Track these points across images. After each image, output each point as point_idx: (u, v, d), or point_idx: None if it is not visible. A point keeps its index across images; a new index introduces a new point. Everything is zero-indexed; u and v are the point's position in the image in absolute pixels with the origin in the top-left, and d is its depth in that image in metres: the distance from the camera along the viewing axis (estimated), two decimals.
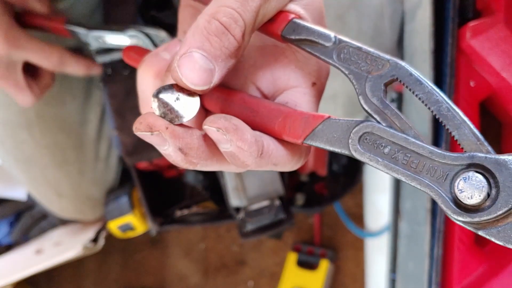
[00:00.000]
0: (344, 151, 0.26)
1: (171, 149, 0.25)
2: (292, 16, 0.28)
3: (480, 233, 0.23)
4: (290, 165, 0.28)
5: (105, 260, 1.17)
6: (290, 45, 0.29)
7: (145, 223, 0.94)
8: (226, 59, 0.25)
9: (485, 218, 0.23)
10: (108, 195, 0.92)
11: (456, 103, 0.74)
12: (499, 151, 0.91)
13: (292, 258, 1.03)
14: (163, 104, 0.26)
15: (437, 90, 0.25)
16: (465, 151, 0.24)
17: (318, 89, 0.31)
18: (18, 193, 1.01)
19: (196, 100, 0.26)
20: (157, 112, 0.26)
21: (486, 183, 0.23)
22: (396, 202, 0.84)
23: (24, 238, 1.04)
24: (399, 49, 0.72)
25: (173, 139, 0.25)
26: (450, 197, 0.24)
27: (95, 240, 0.93)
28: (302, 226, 1.07)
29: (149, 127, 0.25)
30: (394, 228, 0.82)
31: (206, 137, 0.26)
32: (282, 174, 0.87)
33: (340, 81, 0.63)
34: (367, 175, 0.93)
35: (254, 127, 0.27)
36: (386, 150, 0.25)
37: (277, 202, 0.84)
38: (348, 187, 0.93)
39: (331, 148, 0.26)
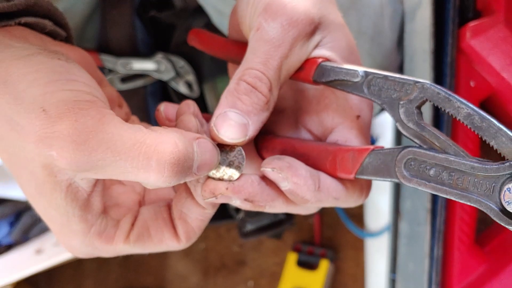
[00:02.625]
0: (394, 180, 0.27)
1: (239, 202, 0.28)
2: (320, 60, 0.30)
3: None
4: (352, 199, 0.30)
5: (105, 260, 1.17)
6: (327, 86, 0.30)
7: None
8: (258, 113, 0.27)
9: None
10: None
11: None
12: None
13: (292, 258, 1.03)
14: (217, 166, 0.28)
15: (466, 103, 0.26)
16: (506, 159, 0.25)
17: (364, 120, 0.31)
18: (18, 193, 1.01)
19: (241, 151, 0.28)
20: (216, 175, 0.28)
21: None
22: (396, 202, 0.84)
23: (24, 238, 1.04)
24: (399, 49, 0.72)
25: (236, 194, 0.27)
26: (500, 208, 0.24)
27: None
28: (302, 226, 1.07)
29: (212, 193, 0.28)
30: (394, 228, 0.82)
31: (266, 180, 0.28)
32: None
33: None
34: None
35: (310, 162, 0.29)
36: (431, 172, 0.26)
37: None
38: None
39: (382, 179, 0.27)
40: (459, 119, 0.26)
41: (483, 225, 0.87)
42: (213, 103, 0.78)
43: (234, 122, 0.26)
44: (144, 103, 0.76)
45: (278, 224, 0.86)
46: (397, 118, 0.27)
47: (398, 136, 0.85)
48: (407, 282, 0.77)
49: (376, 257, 0.92)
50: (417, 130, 0.27)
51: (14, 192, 1.01)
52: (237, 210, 0.87)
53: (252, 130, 0.27)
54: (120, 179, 0.25)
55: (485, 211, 0.24)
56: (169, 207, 0.30)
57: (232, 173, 0.28)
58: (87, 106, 0.23)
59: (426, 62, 0.71)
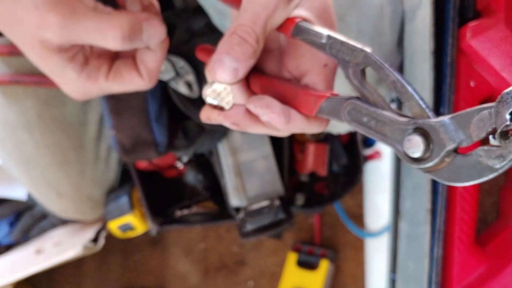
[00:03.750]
0: (341, 121, 0.36)
1: (228, 124, 0.38)
2: (297, 20, 0.37)
3: (430, 175, 0.32)
4: (314, 129, 0.39)
5: (105, 260, 1.17)
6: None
7: (145, 223, 0.94)
8: (246, 60, 0.35)
9: (427, 165, 0.31)
10: (108, 195, 0.92)
11: (456, 103, 0.74)
12: None
13: (292, 258, 1.03)
14: (214, 93, 0.38)
15: (394, 72, 0.33)
16: (412, 117, 0.32)
17: (330, 68, 0.39)
18: (18, 193, 1.01)
19: (231, 90, 0.38)
20: (211, 100, 0.38)
21: (422, 142, 0.31)
22: (396, 202, 0.84)
23: (24, 238, 1.04)
24: (399, 49, 0.72)
25: (226, 119, 0.38)
26: (404, 152, 0.32)
27: (95, 240, 0.93)
28: (302, 226, 1.07)
29: (208, 118, 0.39)
30: (394, 228, 0.82)
31: (249, 111, 0.38)
32: (282, 174, 0.87)
33: (340, 82, 0.63)
34: (367, 175, 0.93)
35: (284, 103, 0.38)
36: (364, 119, 0.34)
37: (277, 202, 0.84)
38: (348, 187, 0.93)
39: (334, 118, 0.36)
40: (387, 85, 0.33)
41: (483, 225, 0.87)
42: None
43: (227, 66, 0.34)
44: (144, 103, 0.76)
45: (278, 224, 0.86)
46: (346, 76, 0.36)
47: None
48: (407, 282, 0.77)
49: (376, 257, 0.93)
50: (359, 87, 0.35)
51: (14, 192, 1.01)
52: (237, 210, 0.87)
53: (241, 73, 0.35)
54: (93, 45, 0.37)
55: (397, 153, 0.33)
56: (134, 58, 0.40)
57: (225, 103, 0.38)
58: (63, 2, 0.34)
59: (426, 62, 0.71)
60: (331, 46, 0.36)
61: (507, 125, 0.27)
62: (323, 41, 0.36)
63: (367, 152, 0.92)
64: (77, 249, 0.89)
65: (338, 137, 0.93)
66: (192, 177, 0.93)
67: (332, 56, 0.36)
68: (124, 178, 0.94)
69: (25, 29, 0.35)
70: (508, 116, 0.28)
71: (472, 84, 0.75)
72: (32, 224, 1.03)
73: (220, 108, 0.38)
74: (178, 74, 0.73)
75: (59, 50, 0.36)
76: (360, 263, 1.02)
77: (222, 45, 0.35)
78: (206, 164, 0.92)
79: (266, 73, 0.41)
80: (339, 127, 0.70)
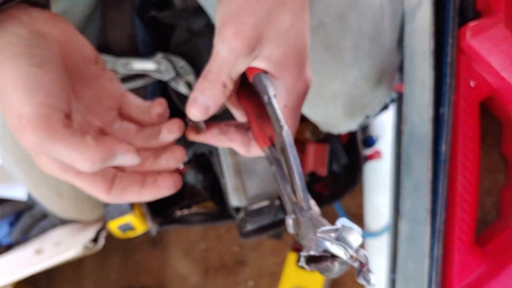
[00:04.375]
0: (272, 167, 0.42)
1: (205, 142, 0.47)
2: (256, 71, 0.41)
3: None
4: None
5: (105, 260, 1.17)
6: None
7: (145, 223, 0.94)
8: (216, 100, 0.42)
9: (300, 242, 0.36)
10: None
11: (456, 103, 0.74)
12: (499, 151, 0.91)
13: (292, 258, 1.03)
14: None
15: (291, 158, 0.38)
16: (295, 202, 0.38)
17: (290, 109, 0.43)
18: (18, 193, 1.01)
19: (203, 124, 0.46)
20: (191, 122, 0.46)
21: (292, 225, 0.37)
22: (396, 202, 0.84)
23: (24, 238, 1.04)
24: (399, 49, 0.72)
25: (204, 140, 0.47)
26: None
27: (95, 240, 0.93)
28: None
29: (188, 137, 0.47)
30: (394, 228, 0.82)
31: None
32: None
33: (340, 82, 0.63)
34: (367, 175, 0.93)
35: (250, 129, 0.45)
36: (279, 181, 0.41)
37: (277, 202, 0.84)
38: (348, 187, 0.92)
39: (269, 163, 0.42)
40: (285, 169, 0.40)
41: (483, 225, 0.87)
42: None
43: (199, 105, 0.41)
44: None
45: (278, 224, 0.85)
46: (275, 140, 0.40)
47: (398, 136, 0.85)
48: (407, 282, 0.77)
49: (376, 257, 0.92)
50: (277, 155, 0.41)
51: (14, 192, 1.01)
52: (237, 210, 0.87)
53: (211, 111, 0.42)
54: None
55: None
56: (115, 175, 0.42)
57: (202, 125, 0.46)
58: (44, 121, 0.36)
59: (426, 62, 0.71)
60: (269, 108, 0.39)
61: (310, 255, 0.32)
62: (265, 100, 0.40)
63: (367, 152, 0.92)
64: (77, 249, 0.89)
65: (338, 137, 0.93)
66: (192, 177, 0.93)
67: (269, 116, 0.40)
68: None
69: (7, 117, 0.37)
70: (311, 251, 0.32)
71: (472, 84, 0.75)
72: (32, 224, 1.03)
73: (198, 129, 0.46)
74: (178, 74, 0.73)
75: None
76: None
77: (197, 85, 0.42)
78: (206, 164, 0.92)
79: (251, 94, 0.46)
80: (339, 127, 0.70)
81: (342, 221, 0.32)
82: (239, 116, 0.47)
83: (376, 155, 0.91)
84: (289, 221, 0.37)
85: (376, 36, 0.64)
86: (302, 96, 0.43)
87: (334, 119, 0.68)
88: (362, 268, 0.32)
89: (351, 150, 0.93)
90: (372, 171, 0.92)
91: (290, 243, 1.07)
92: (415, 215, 0.74)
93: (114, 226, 0.92)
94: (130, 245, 1.15)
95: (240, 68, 0.41)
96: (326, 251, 0.32)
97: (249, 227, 0.85)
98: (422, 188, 0.72)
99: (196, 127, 0.46)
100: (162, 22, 0.75)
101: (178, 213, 0.95)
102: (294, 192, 0.38)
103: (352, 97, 0.65)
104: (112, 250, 1.15)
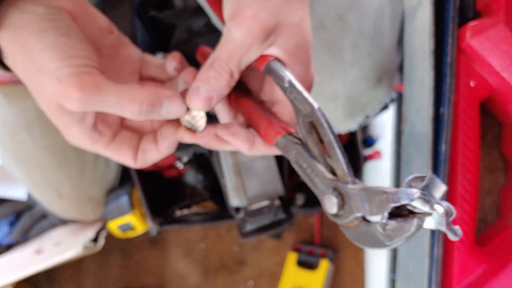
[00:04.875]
0: (289, 158, 0.40)
1: (200, 143, 0.42)
2: (269, 58, 0.39)
3: (343, 230, 0.36)
4: (273, 153, 0.43)
5: (105, 260, 1.17)
6: None
7: (145, 223, 0.94)
8: (220, 91, 0.39)
9: (341, 222, 0.35)
10: (108, 195, 0.92)
11: (456, 103, 0.74)
12: (499, 151, 0.91)
13: (292, 258, 1.03)
14: (189, 116, 0.42)
15: (330, 134, 0.36)
16: (336, 178, 0.36)
17: None
18: (18, 193, 1.01)
19: (204, 115, 0.42)
20: (185, 122, 0.42)
21: (336, 203, 0.35)
22: None
23: (24, 238, 1.04)
24: (399, 49, 0.72)
25: (198, 140, 0.42)
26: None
27: (95, 240, 0.93)
28: (302, 226, 1.07)
29: (182, 138, 0.42)
30: None
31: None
32: (282, 174, 0.87)
33: (340, 82, 0.63)
34: (367, 175, 0.93)
35: (254, 124, 0.43)
36: (304, 165, 0.38)
37: (277, 202, 0.84)
38: None
39: (284, 154, 0.40)
40: (324, 143, 0.37)
41: (483, 225, 0.87)
42: None
43: (202, 95, 0.39)
44: None
45: (278, 224, 0.85)
46: (298, 122, 0.39)
47: (398, 136, 0.85)
48: (407, 282, 0.77)
49: (376, 257, 0.92)
50: (305, 136, 0.38)
51: (14, 192, 1.01)
52: (237, 210, 0.87)
53: (214, 102, 0.40)
54: (110, 113, 0.38)
55: (319, 199, 0.37)
56: (140, 138, 0.43)
57: (198, 126, 0.42)
58: (86, 77, 0.36)
59: (426, 62, 0.71)
60: (290, 92, 0.38)
61: (391, 214, 0.31)
62: (285, 85, 0.39)
63: (367, 152, 0.92)
64: (77, 249, 0.89)
65: (338, 137, 0.93)
66: (192, 177, 0.93)
67: (290, 100, 0.39)
68: (124, 178, 0.94)
69: (44, 91, 0.37)
70: (392, 207, 0.31)
71: (472, 84, 0.75)
72: (32, 224, 1.03)
73: (193, 131, 0.42)
74: None
75: (72, 112, 0.38)
76: (360, 263, 1.02)
77: (200, 74, 0.39)
78: (206, 164, 0.92)
79: (249, 87, 0.45)
80: (339, 127, 0.70)
81: (430, 175, 0.32)
82: (226, 117, 0.45)
83: (376, 155, 0.91)
84: (333, 200, 0.36)
85: (376, 36, 0.64)
86: (308, 90, 0.43)
87: (334, 119, 0.68)
88: (448, 220, 0.31)
89: (351, 150, 0.93)
90: (372, 171, 0.92)
91: (290, 243, 1.07)
92: None
93: (114, 226, 0.92)
94: (130, 245, 1.15)
95: (253, 55, 0.39)
96: (410, 204, 0.31)
97: (249, 227, 0.85)
98: None
99: (190, 128, 0.43)
100: (162, 22, 0.75)
101: (178, 213, 0.95)
102: (331, 169, 0.37)
103: (352, 97, 0.65)
104: (112, 250, 1.15)
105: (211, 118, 0.43)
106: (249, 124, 0.44)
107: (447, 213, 0.31)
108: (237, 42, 0.38)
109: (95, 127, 0.41)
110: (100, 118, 0.42)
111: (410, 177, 0.32)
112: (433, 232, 0.72)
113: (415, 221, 0.31)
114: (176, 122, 0.42)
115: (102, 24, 0.43)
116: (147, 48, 0.74)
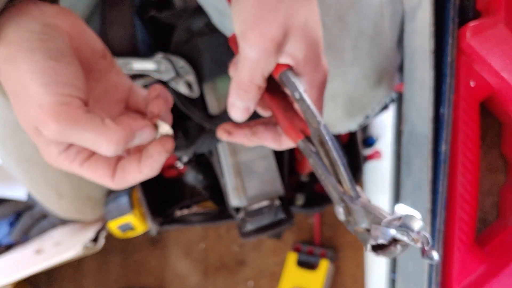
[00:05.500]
0: (308, 161, 0.43)
1: (236, 141, 0.49)
2: (283, 68, 0.42)
3: (355, 233, 0.41)
4: (290, 146, 0.48)
5: (105, 260, 1.17)
6: None
7: (145, 223, 0.94)
8: (253, 100, 0.44)
9: (348, 228, 0.41)
10: (108, 195, 0.92)
11: (456, 103, 0.74)
12: (499, 151, 0.91)
13: (292, 258, 1.03)
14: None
15: (334, 151, 0.40)
16: (342, 191, 0.40)
17: (314, 98, 0.45)
18: (18, 193, 1.01)
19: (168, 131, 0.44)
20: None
21: (343, 213, 0.41)
22: (396, 202, 0.84)
23: (24, 238, 1.04)
24: (399, 49, 0.72)
25: (234, 138, 0.48)
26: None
27: (95, 240, 0.93)
28: (302, 226, 1.07)
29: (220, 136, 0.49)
30: None
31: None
32: (282, 174, 0.87)
33: (340, 82, 0.63)
34: (367, 175, 0.93)
35: (279, 124, 0.46)
36: (319, 172, 0.42)
37: (277, 202, 0.84)
38: None
39: (305, 155, 0.43)
40: (329, 158, 0.41)
41: (483, 225, 0.87)
42: (213, 103, 0.78)
43: (239, 108, 0.44)
44: None
45: (278, 224, 0.85)
46: (310, 133, 0.42)
47: (398, 136, 0.85)
48: (407, 282, 0.77)
49: (376, 257, 0.92)
50: (317, 147, 0.42)
51: (14, 192, 1.01)
52: (237, 210, 0.87)
53: (251, 109, 0.44)
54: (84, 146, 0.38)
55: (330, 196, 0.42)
56: (118, 159, 0.42)
57: None
58: (65, 108, 0.36)
59: (426, 62, 0.71)
60: (301, 104, 0.42)
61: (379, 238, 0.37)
62: (296, 97, 0.42)
63: (367, 152, 0.92)
64: (77, 249, 0.89)
65: (338, 137, 0.93)
66: (192, 177, 0.93)
67: (301, 111, 0.42)
68: None
69: (25, 112, 0.37)
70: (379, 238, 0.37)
71: (472, 84, 0.75)
72: (32, 224, 1.03)
73: (229, 130, 0.48)
74: (178, 74, 0.73)
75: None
76: (360, 263, 1.02)
77: (232, 92, 0.44)
78: (206, 164, 0.92)
79: (279, 90, 0.48)
80: (339, 127, 0.70)
81: (401, 209, 0.37)
82: (262, 111, 0.49)
83: (376, 155, 0.91)
84: (340, 209, 0.41)
85: (376, 36, 0.64)
86: (322, 86, 0.45)
87: (334, 119, 0.68)
88: (425, 248, 0.35)
89: (351, 150, 0.93)
90: (372, 171, 0.92)
91: (290, 243, 1.07)
92: None
93: (114, 226, 0.92)
94: (130, 245, 1.15)
95: (271, 66, 0.42)
96: (392, 238, 0.36)
97: (249, 227, 0.85)
98: (422, 188, 0.72)
99: (227, 129, 0.48)
100: (162, 22, 0.75)
101: (178, 213, 0.95)
102: (340, 182, 0.41)
103: (352, 97, 0.65)
104: (112, 250, 1.15)
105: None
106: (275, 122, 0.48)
107: (423, 243, 0.35)
108: (255, 61, 0.42)
109: (71, 147, 0.40)
110: None
111: (388, 218, 0.37)
112: (433, 232, 0.72)
113: (398, 247, 0.37)
114: (166, 141, 0.42)
115: (97, 47, 0.43)
116: (147, 48, 0.74)
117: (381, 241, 0.36)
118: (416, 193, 0.74)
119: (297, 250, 1.05)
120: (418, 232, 0.35)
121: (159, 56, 0.71)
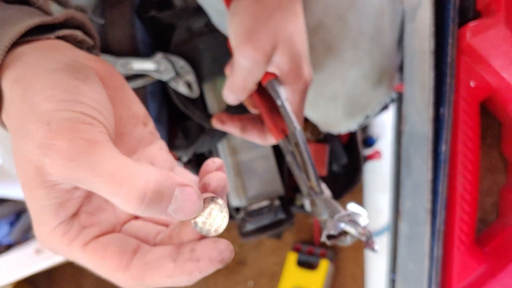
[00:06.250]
0: (286, 158, 0.50)
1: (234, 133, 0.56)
2: (269, 77, 0.48)
3: (320, 223, 0.47)
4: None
5: None
6: None
7: None
8: (243, 97, 0.50)
9: (316, 217, 0.48)
10: None
11: (456, 103, 0.74)
12: (499, 151, 0.91)
13: (292, 258, 1.03)
14: (202, 220, 0.31)
15: (305, 153, 0.47)
16: (310, 187, 0.48)
17: (292, 106, 0.51)
18: (18, 193, 1.01)
19: (226, 215, 0.34)
20: (197, 228, 0.30)
21: (309, 204, 0.48)
22: (396, 202, 0.84)
23: (24, 238, 1.04)
24: (399, 49, 0.72)
25: (227, 130, 0.57)
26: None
27: None
28: (302, 226, 1.07)
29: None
30: (394, 228, 0.82)
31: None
32: (282, 174, 0.87)
33: (340, 82, 0.63)
34: (367, 175, 0.93)
35: (264, 122, 0.53)
36: (293, 168, 0.49)
37: (277, 202, 0.84)
38: (348, 187, 0.92)
39: (284, 153, 0.51)
40: (297, 159, 0.49)
41: (483, 225, 0.87)
42: (213, 103, 0.78)
43: (231, 99, 0.50)
44: (144, 103, 0.76)
45: (278, 224, 0.85)
46: (289, 135, 0.48)
47: (398, 136, 0.85)
48: (407, 282, 0.77)
49: (376, 257, 0.92)
50: (293, 148, 0.48)
51: (14, 192, 1.01)
52: (237, 210, 0.87)
53: (242, 98, 0.50)
54: (98, 193, 0.27)
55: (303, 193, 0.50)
56: (138, 247, 0.30)
57: (212, 231, 0.30)
58: (85, 128, 0.27)
59: (426, 62, 0.71)
60: (283, 110, 0.47)
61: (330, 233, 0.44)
62: (279, 104, 0.47)
63: (367, 152, 0.92)
64: None
65: (338, 137, 0.93)
66: None
67: (283, 116, 0.48)
68: None
69: (26, 144, 0.27)
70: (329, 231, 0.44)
71: (472, 84, 0.75)
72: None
73: (222, 120, 0.57)
74: (178, 74, 0.73)
75: (52, 186, 0.28)
76: (360, 263, 1.02)
77: (226, 88, 0.50)
78: None
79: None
80: (339, 127, 0.70)
81: (352, 207, 0.44)
82: (251, 109, 0.55)
83: (376, 155, 0.91)
84: (306, 202, 0.48)
85: (376, 36, 0.64)
86: (303, 93, 0.50)
87: (334, 119, 0.68)
88: (368, 241, 0.43)
89: (351, 150, 0.93)
90: (372, 171, 0.92)
91: (290, 243, 1.07)
92: (415, 215, 0.74)
93: None
94: None
95: (261, 74, 0.48)
96: (342, 230, 0.43)
97: (249, 227, 0.85)
98: (422, 188, 0.72)
99: (222, 118, 0.56)
100: (162, 22, 0.75)
101: None
102: (308, 179, 0.47)
103: (352, 97, 0.65)
104: None
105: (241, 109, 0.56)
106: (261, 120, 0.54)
107: (367, 236, 0.43)
108: (247, 70, 0.47)
109: (76, 218, 0.30)
110: (85, 204, 0.31)
111: (340, 214, 0.44)
112: (433, 232, 0.72)
113: (348, 238, 0.44)
114: (223, 246, 0.29)
115: (136, 110, 0.35)
116: (147, 48, 0.74)
117: (332, 232, 0.44)
118: (416, 193, 0.74)
119: (297, 250, 1.05)
120: (364, 227, 0.43)
121: (159, 56, 0.71)
